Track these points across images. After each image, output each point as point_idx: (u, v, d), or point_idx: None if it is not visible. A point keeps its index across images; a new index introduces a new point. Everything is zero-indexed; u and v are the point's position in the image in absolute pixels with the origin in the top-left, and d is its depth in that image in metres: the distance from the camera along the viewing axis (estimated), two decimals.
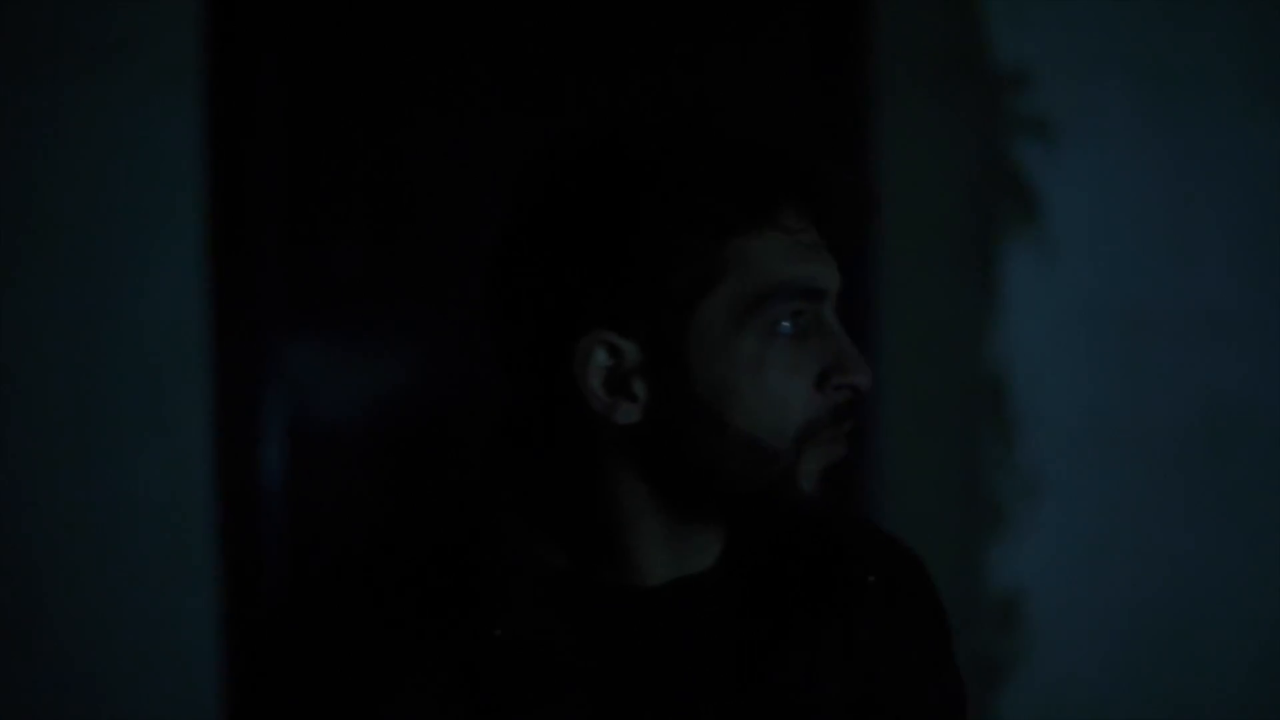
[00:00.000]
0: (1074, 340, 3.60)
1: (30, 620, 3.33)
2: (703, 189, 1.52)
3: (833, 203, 1.57)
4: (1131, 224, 3.62)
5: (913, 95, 3.63)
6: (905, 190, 3.66)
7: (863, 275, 3.67)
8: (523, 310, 1.56)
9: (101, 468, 3.37)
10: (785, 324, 1.54)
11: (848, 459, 1.58)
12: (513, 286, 1.56)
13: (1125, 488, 3.60)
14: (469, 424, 3.39)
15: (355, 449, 3.51)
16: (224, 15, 3.41)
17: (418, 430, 3.51)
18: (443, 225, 3.51)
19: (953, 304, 3.62)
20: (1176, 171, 3.61)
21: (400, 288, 3.52)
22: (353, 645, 1.55)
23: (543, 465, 1.61)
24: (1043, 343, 3.60)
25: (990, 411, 3.60)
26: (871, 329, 3.65)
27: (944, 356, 3.64)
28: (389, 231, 3.53)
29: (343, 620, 1.57)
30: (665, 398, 1.55)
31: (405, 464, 3.47)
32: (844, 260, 1.59)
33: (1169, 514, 3.60)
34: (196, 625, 3.39)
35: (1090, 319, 3.60)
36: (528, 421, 1.61)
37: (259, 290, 3.44)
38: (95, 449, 3.37)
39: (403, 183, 3.53)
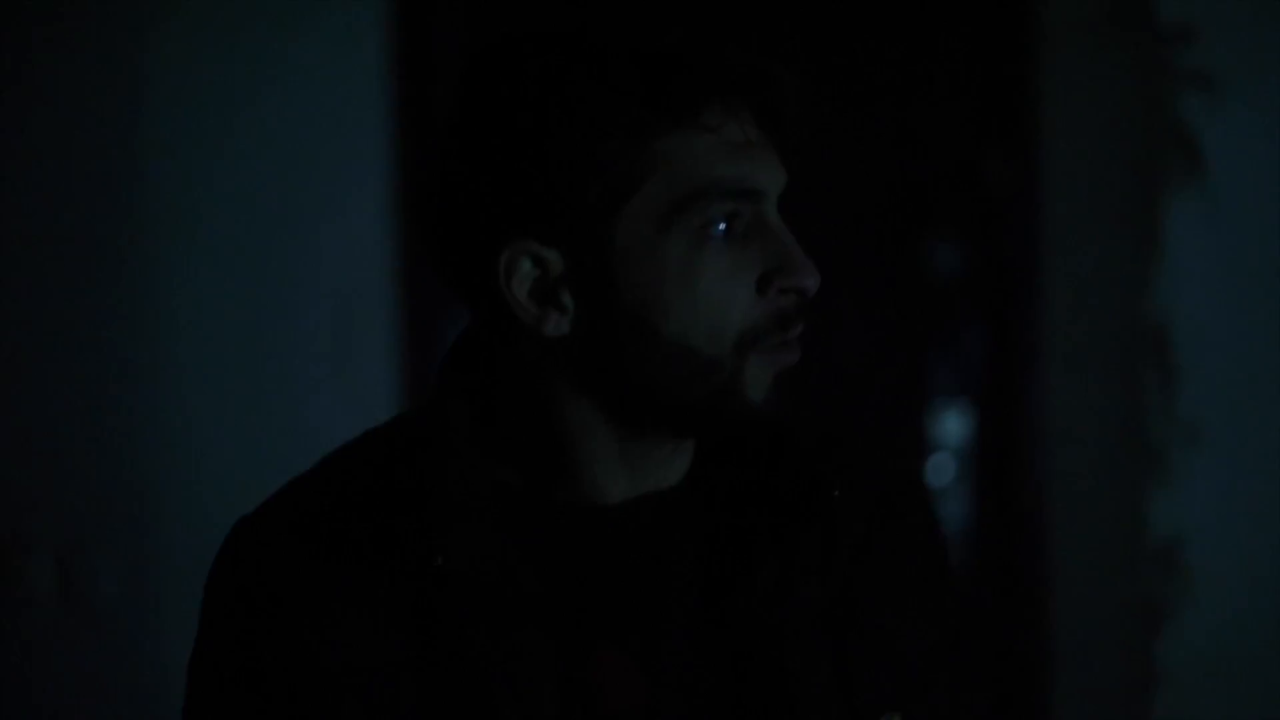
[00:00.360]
0: (1235, 290, 3.63)
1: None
2: (615, 90, 1.45)
3: (761, 97, 1.48)
4: None
5: (1078, 49, 3.68)
6: (1070, 143, 3.71)
7: (1027, 226, 3.73)
8: (450, 224, 1.49)
9: (286, 408, 3.50)
10: (719, 226, 1.46)
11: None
12: (440, 201, 1.50)
13: None
14: None
15: None
16: None
17: None
18: None
19: (1116, 255, 3.67)
20: None
21: None
22: (290, 577, 1.48)
23: (489, 383, 1.53)
24: (1204, 293, 3.63)
25: (1152, 361, 3.65)
26: (1037, 280, 3.72)
27: (1107, 307, 3.69)
28: None
29: (280, 552, 1.49)
30: (593, 308, 1.48)
31: None
32: (789, 158, 1.51)
33: None
34: None
35: (1252, 269, 3.63)
36: (474, 340, 1.55)
37: None
38: (283, 391, 3.50)
39: None
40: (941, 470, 3.81)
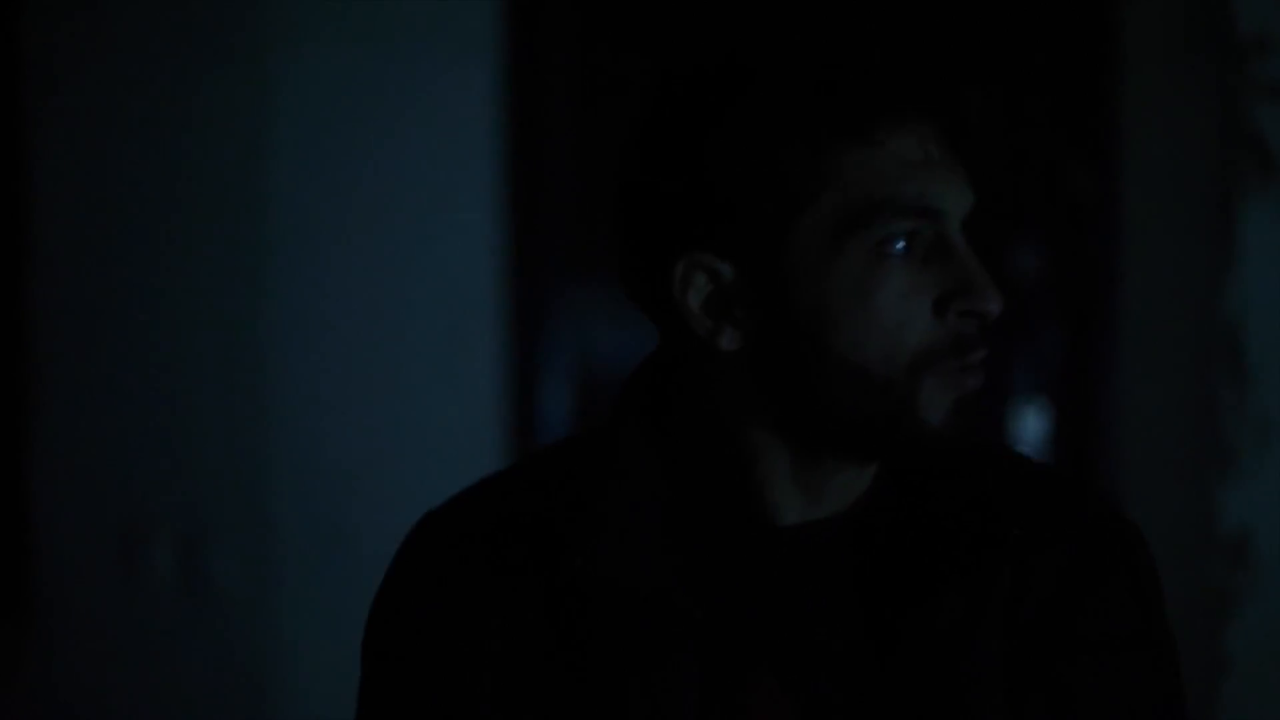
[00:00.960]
0: None
1: (336, 537, 3.56)
2: (793, 102, 1.41)
3: (945, 116, 1.44)
4: None
5: (1158, 61, 3.79)
6: (1150, 151, 3.83)
7: (1107, 230, 3.86)
8: (631, 236, 1.47)
9: (402, 399, 3.63)
10: (898, 245, 1.41)
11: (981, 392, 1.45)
12: (622, 213, 1.47)
13: None
14: None
15: None
16: None
17: None
18: None
19: (1192, 259, 3.77)
20: None
21: None
22: (457, 573, 1.47)
23: (667, 400, 1.50)
24: (1277, 296, 3.75)
25: (1225, 360, 3.76)
26: (1115, 282, 3.84)
27: (1182, 308, 3.79)
28: None
29: (453, 549, 1.48)
30: (766, 323, 1.43)
31: None
32: (976, 179, 1.46)
33: None
34: None
35: None
36: (657, 357, 1.53)
37: (548, 237, 3.72)
38: (399, 383, 3.64)
39: None
40: None
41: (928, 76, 1.44)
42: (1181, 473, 3.80)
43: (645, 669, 1.42)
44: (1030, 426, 3.97)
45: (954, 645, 1.44)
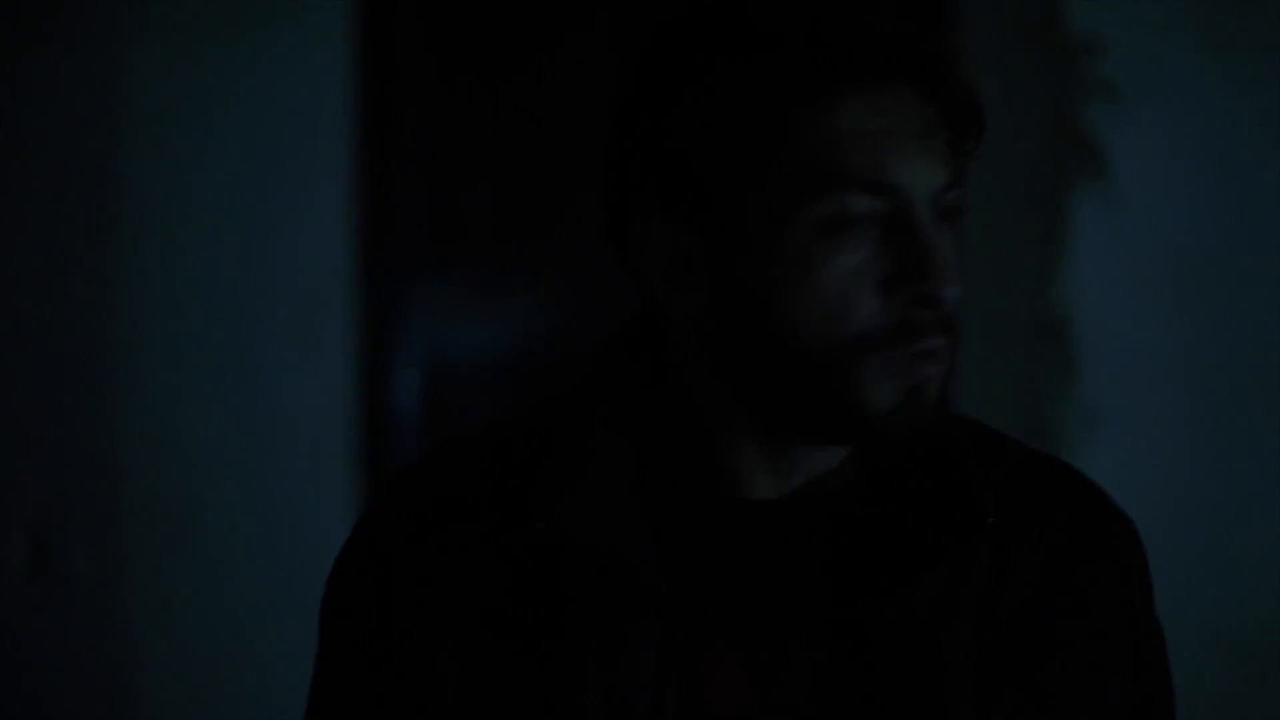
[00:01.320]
0: (1135, 285, 3.82)
1: (188, 527, 3.57)
2: (747, 60, 1.33)
3: (920, 79, 1.33)
4: (1193, 179, 3.83)
5: (994, 57, 3.88)
6: (983, 145, 3.93)
7: None
8: (603, 198, 1.41)
9: (254, 391, 3.64)
10: (855, 219, 1.32)
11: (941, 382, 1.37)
12: (600, 176, 1.42)
13: (1180, 423, 3.82)
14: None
15: (485, 381, 3.79)
16: None
17: (547, 365, 3.80)
18: (566, 164, 3.78)
19: (1024, 252, 3.87)
20: (1237, 131, 3.84)
21: (531, 228, 3.80)
22: (421, 532, 1.40)
23: (639, 366, 1.43)
24: (1106, 287, 3.82)
25: (1054, 352, 3.88)
26: None
27: (1013, 301, 3.89)
28: (518, 174, 3.81)
29: (417, 508, 1.41)
30: (716, 291, 1.36)
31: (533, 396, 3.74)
32: (959, 153, 1.36)
33: (1224, 455, 3.83)
34: (334, 537, 3.65)
35: (1151, 266, 3.82)
36: (631, 324, 1.46)
37: (400, 231, 3.75)
38: (251, 375, 3.64)
39: (529, 126, 3.81)
40: None
41: (897, 31, 1.33)
42: None
43: (605, 638, 1.35)
44: None
45: (925, 634, 1.36)
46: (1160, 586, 3.70)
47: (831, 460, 1.41)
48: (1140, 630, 1.45)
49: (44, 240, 3.57)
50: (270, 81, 3.65)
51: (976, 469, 1.40)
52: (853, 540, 1.39)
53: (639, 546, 1.36)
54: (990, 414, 3.88)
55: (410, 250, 3.78)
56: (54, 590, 3.55)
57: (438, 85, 3.80)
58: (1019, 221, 3.91)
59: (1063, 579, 1.40)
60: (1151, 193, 3.87)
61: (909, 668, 1.36)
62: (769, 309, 1.34)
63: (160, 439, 3.61)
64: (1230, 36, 3.87)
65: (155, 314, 3.61)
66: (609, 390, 1.43)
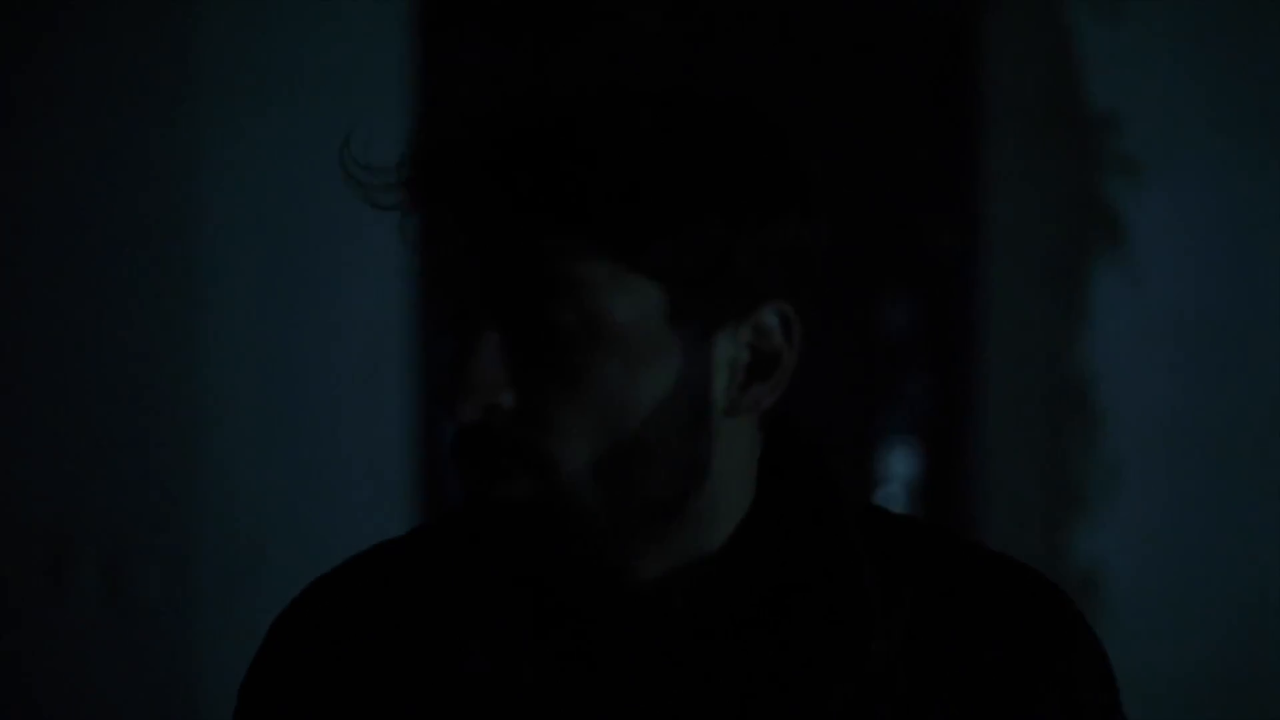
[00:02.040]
0: (1153, 349, 3.97)
1: (255, 560, 3.64)
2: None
3: (436, 201, 1.21)
4: (1207, 249, 4.01)
5: (1019, 132, 4.04)
6: (1010, 216, 4.06)
7: (970, 289, 4.10)
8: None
9: (318, 431, 3.72)
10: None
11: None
12: None
13: (1197, 482, 3.97)
14: None
15: None
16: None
17: None
18: None
19: (1048, 316, 4.01)
20: (1248, 204, 4.02)
21: None
22: (314, 653, 1.32)
23: None
24: (1126, 351, 3.98)
25: (1077, 410, 4.00)
26: (977, 336, 4.08)
27: (1038, 363, 4.03)
28: None
29: (309, 631, 1.33)
30: None
31: None
32: (484, 243, 1.18)
33: (1238, 507, 3.97)
34: None
35: (1168, 331, 3.98)
36: None
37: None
38: (315, 416, 3.72)
39: None
40: (891, 501, 4.16)
41: (428, 156, 1.21)
42: (1037, 511, 4.03)
43: None
44: (899, 465, 4.19)
45: None
46: (1180, 635, 3.69)
47: (704, 527, 1.23)
48: None
49: (129, 290, 3.63)
50: (334, 138, 3.74)
51: (877, 545, 1.24)
52: (746, 622, 1.21)
53: (531, 659, 1.23)
54: (1016, 471, 4.04)
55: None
56: (126, 617, 3.61)
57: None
58: (1043, 288, 4.06)
59: (981, 674, 1.21)
60: (1167, 261, 4.02)
61: None
62: None
63: (230, 476, 3.67)
64: (1243, 115, 4.04)
65: (228, 359, 3.67)
66: None
